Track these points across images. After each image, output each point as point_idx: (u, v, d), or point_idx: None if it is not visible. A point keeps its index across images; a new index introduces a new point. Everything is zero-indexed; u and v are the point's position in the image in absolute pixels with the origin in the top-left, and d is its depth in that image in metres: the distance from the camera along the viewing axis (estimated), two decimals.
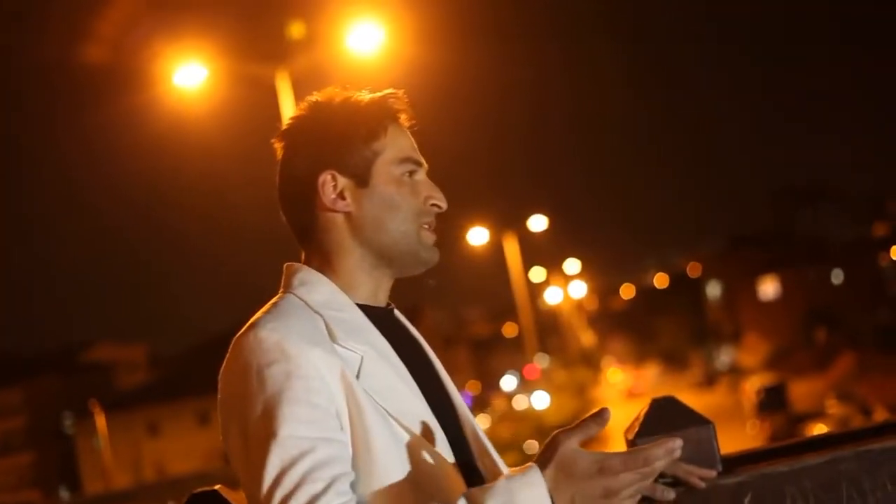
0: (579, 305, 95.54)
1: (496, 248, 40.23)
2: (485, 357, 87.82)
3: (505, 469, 2.23)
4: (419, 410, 2.10)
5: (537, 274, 62.25)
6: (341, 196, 2.19)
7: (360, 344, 2.09)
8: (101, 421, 51.32)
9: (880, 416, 34.20)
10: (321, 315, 2.10)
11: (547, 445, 1.92)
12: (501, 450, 2.72)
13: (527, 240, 42.60)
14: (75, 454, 65.83)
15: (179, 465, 53.82)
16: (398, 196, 2.20)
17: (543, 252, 62.58)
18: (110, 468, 52.06)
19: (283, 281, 2.22)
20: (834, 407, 39.06)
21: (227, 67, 15.69)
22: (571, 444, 1.89)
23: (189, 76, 15.21)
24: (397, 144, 2.23)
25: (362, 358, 2.07)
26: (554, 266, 66.08)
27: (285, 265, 2.25)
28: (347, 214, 2.20)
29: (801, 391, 47.32)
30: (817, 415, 36.99)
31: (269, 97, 15.74)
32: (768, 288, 73.43)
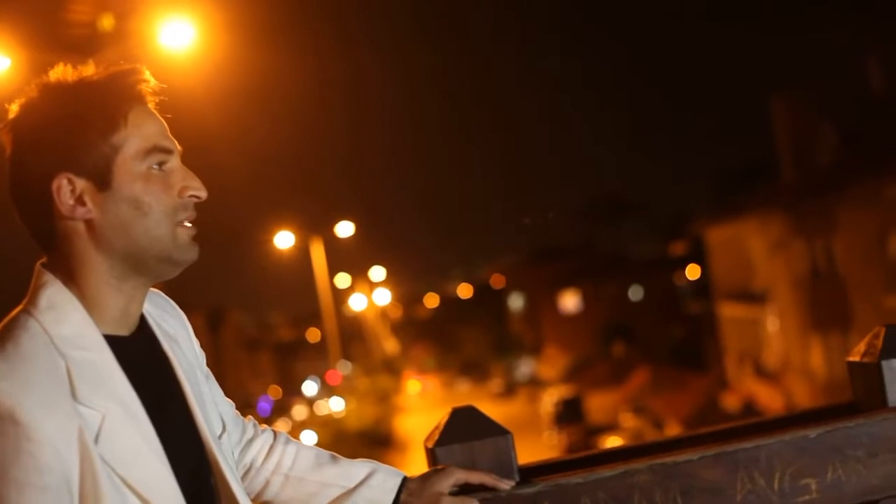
0: (383, 313, 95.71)
1: (302, 253, 40.00)
2: (288, 362, 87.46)
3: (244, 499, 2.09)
4: (160, 476, 1.89)
5: (343, 280, 62.17)
6: (80, 201, 1.91)
7: (102, 399, 1.84)
8: None
9: (672, 429, 35.17)
10: (64, 358, 1.84)
11: (434, 471, 2.35)
12: None
13: (333, 245, 42.44)
14: None
15: None
16: (146, 195, 1.93)
17: (349, 258, 62.62)
18: None
19: (31, 287, 1.95)
20: (628, 420, 40.09)
21: (32, 58, 15.27)
22: (447, 483, 2.31)
23: None
24: (141, 133, 1.95)
25: (103, 418, 1.83)
26: (359, 273, 66.03)
27: (38, 266, 1.98)
28: (89, 222, 1.92)
29: (598, 404, 48.33)
30: (612, 427, 37.90)
31: None
32: (569, 301, 74.73)
